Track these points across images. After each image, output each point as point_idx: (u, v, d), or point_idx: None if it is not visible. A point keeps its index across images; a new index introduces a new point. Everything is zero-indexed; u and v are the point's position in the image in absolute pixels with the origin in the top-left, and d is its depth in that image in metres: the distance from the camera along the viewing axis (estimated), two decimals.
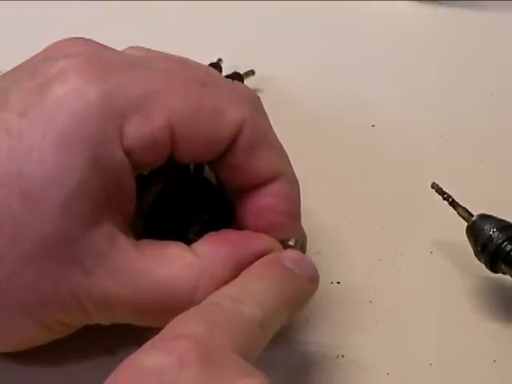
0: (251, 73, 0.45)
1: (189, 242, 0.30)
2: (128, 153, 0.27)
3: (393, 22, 0.53)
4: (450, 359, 0.32)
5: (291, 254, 0.29)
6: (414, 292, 0.35)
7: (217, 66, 0.44)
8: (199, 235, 0.30)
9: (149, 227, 0.32)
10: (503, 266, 0.32)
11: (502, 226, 0.32)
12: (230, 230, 0.30)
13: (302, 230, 0.32)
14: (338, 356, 0.32)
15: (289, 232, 0.31)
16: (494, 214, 0.33)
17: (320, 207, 0.37)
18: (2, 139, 0.26)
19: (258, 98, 0.31)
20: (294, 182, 0.31)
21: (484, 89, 0.46)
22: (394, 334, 0.33)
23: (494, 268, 0.32)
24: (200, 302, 0.28)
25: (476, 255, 0.33)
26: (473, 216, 0.33)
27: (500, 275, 0.33)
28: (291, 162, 0.32)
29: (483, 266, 0.33)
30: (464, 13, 0.52)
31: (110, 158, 0.27)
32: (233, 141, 0.29)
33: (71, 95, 0.27)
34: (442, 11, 0.53)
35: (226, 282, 0.28)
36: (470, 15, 0.52)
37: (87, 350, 0.31)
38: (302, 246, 0.31)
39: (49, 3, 0.52)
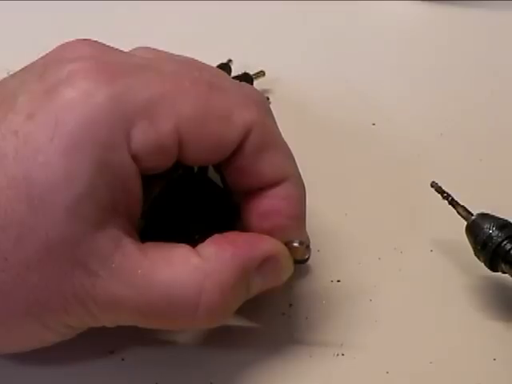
0: (261, 74, 0.45)
1: (191, 241, 0.30)
2: (135, 157, 0.27)
3: (393, 22, 0.53)
4: (449, 357, 0.32)
5: None
6: (413, 290, 0.35)
7: (226, 66, 0.44)
8: (202, 235, 0.30)
9: (149, 226, 0.32)
10: (503, 265, 0.32)
11: (502, 224, 0.32)
12: (235, 232, 0.30)
13: (306, 232, 0.32)
14: (337, 354, 0.32)
15: (294, 234, 0.31)
16: (494, 213, 0.33)
17: (320, 205, 0.37)
18: (10, 141, 0.26)
19: (267, 99, 0.31)
20: (299, 185, 0.31)
21: (484, 87, 0.46)
22: (394, 332, 0.33)
23: (493, 267, 0.32)
24: (205, 305, 0.28)
25: (475, 254, 0.33)
26: (472, 215, 0.33)
27: (499, 274, 0.33)
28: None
29: (483, 264, 0.33)
30: (464, 12, 0.53)
31: (117, 162, 0.27)
32: (240, 144, 0.29)
33: (79, 99, 0.27)
34: (441, 11, 0.53)
35: (232, 284, 0.28)
36: (470, 14, 0.52)
37: (87, 348, 0.32)
38: (307, 248, 0.31)
39: (56, 2, 0.52)
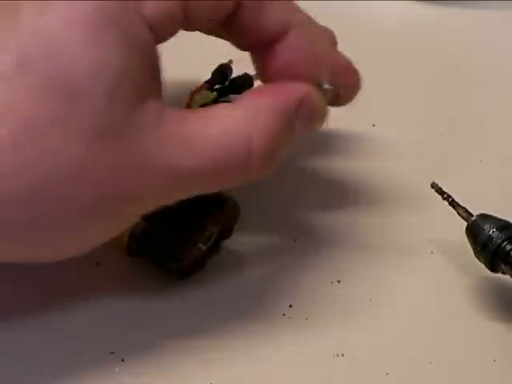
0: None
1: (192, 242, 0.29)
2: (151, 28, 0.28)
3: (393, 22, 0.53)
4: (449, 358, 0.32)
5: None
6: (414, 291, 0.35)
7: (227, 67, 0.44)
8: (205, 242, 0.30)
9: (149, 226, 0.32)
10: (503, 266, 0.32)
11: (502, 225, 0.32)
12: (266, 84, 0.31)
13: (330, 72, 0.32)
14: (337, 355, 0.32)
15: (318, 78, 0.31)
16: (494, 214, 0.33)
17: (319, 206, 0.37)
18: (31, 42, 0.26)
19: None
20: (309, 29, 0.32)
21: (484, 88, 0.46)
22: (394, 333, 0.33)
23: (493, 268, 0.32)
24: (257, 152, 0.28)
25: (476, 255, 0.33)
26: (472, 216, 0.33)
27: (500, 275, 0.33)
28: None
29: (483, 265, 0.33)
30: (464, 12, 0.52)
31: (138, 36, 0.27)
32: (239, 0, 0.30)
33: None
34: (442, 11, 0.53)
35: (277, 130, 0.29)
36: (470, 15, 0.52)
37: (87, 348, 0.32)
38: (335, 87, 0.32)
39: None
